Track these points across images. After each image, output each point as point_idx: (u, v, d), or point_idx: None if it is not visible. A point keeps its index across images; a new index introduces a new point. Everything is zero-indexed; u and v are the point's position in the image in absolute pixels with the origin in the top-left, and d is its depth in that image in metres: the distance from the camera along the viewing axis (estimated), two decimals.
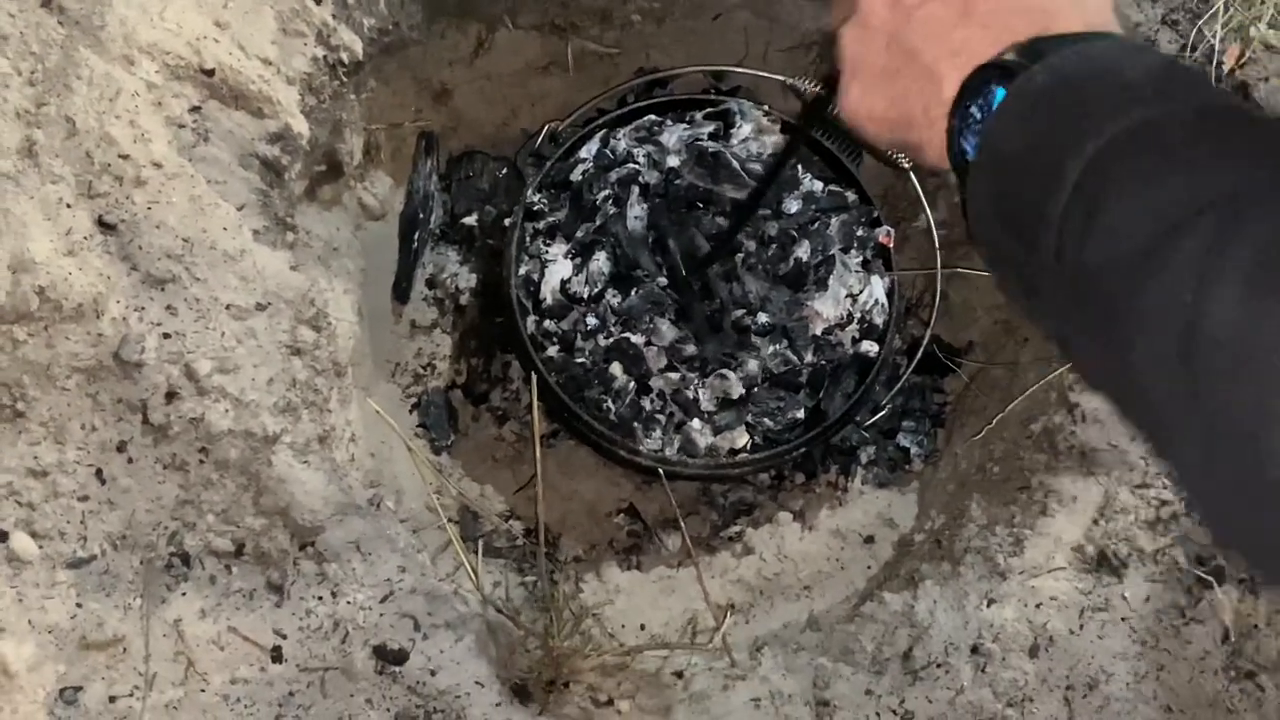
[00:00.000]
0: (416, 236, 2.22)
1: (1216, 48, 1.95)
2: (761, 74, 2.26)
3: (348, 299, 1.94)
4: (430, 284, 2.29)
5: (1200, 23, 1.96)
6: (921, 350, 2.20)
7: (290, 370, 1.60)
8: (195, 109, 1.66)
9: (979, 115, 0.90)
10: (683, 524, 2.09)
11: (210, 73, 1.67)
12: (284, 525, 1.52)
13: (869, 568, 2.14)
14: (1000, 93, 0.88)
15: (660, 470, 2.07)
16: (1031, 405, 1.96)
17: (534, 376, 1.97)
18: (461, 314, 2.29)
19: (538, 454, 1.87)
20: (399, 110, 2.24)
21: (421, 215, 2.22)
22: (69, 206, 1.50)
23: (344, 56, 1.91)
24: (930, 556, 1.93)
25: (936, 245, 2.18)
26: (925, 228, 2.20)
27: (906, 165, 2.20)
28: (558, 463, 2.18)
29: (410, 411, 2.19)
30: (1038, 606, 1.65)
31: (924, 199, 2.21)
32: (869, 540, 2.16)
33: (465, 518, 2.05)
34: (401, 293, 2.22)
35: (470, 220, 2.30)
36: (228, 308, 1.57)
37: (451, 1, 2.13)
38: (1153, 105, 0.79)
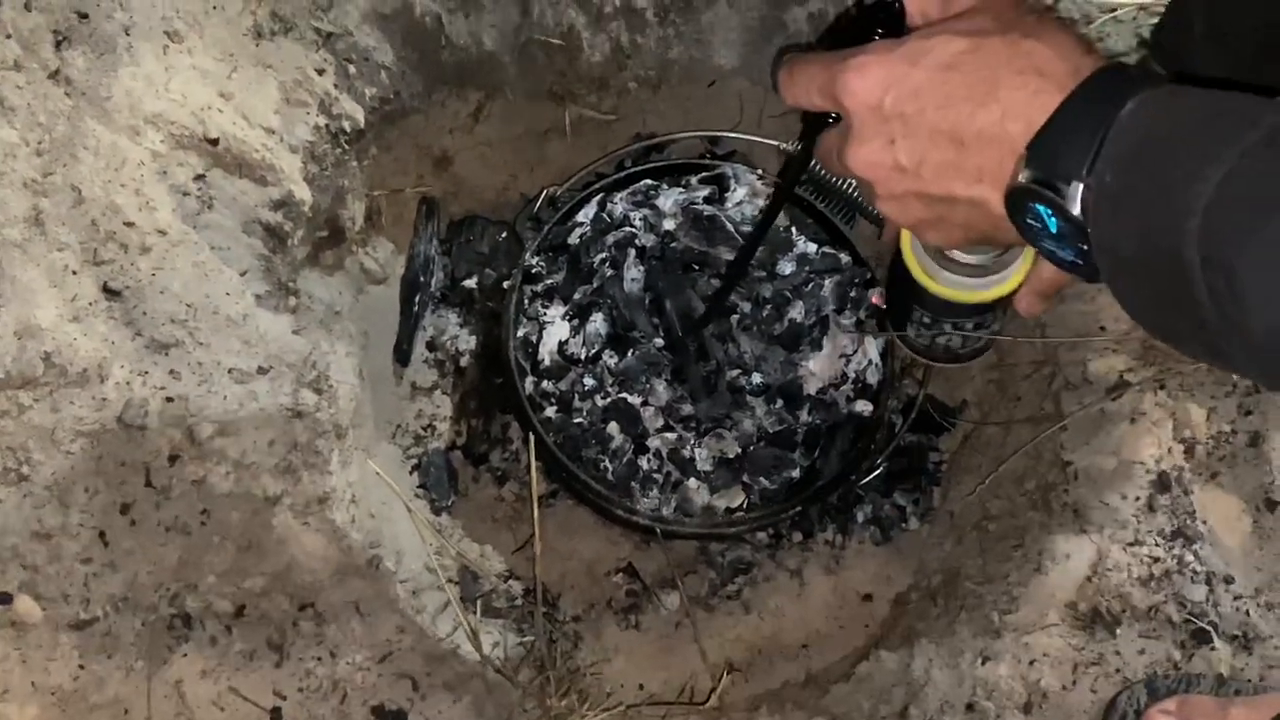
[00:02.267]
0: (417, 300, 2.25)
1: None
2: (756, 139, 2.30)
3: (349, 362, 1.97)
4: (431, 346, 2.31)
5: None
6: (915, 409, 2.22)
7: (291, 433, 1.62)
8: (200, 177, 1.70)
9: (1039, 224, 0.93)
10: (680, 584, 2.11)
11: (214, 142, 1.71)
12: (284, 587, 1.54)
13: (866, 626, 2.14)
14: (1044, 211, 0.92)
15: (657, 529, 2.09)
16: (1025, 463, 1.98)
17: (531, 437, 1.99)
18: (462, 376, 2.31)
19: (535, 514, 1.89)
20: (400, 176, 2.28)
21: (422, 279, 2.24)
22: (75, 273, 1.53)
23: (346, 125, 1.95)
24: (926, 614, 1.94)
25: None
26: None
27: None
28: (556, 522, 2.19)
29: (411, 472, 2.20)
30: (1031, 663, 1.66)
31: None
32: (867, 598, 2.17)
33: (465, 578, 2.06)
34: (402, 355, 2.24)
35: (470, 283, 2.32)
36: (230, 371, 1.59)
37: (451, 70, 2.17)
38: (1226, 152, 0.80)
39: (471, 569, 2.06)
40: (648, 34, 2.25)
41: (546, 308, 2.19)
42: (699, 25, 2.26)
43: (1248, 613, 1.68)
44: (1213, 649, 1.66)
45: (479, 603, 1.97)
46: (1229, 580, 1.69)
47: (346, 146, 1.99)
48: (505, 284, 2.22)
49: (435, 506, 2.18)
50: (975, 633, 1.75)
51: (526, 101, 2.33)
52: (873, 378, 2.20)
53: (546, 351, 2.16)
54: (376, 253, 2.26)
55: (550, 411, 2.14)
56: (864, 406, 2.18)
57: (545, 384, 2.15)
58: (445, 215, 2.34)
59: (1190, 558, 1.71)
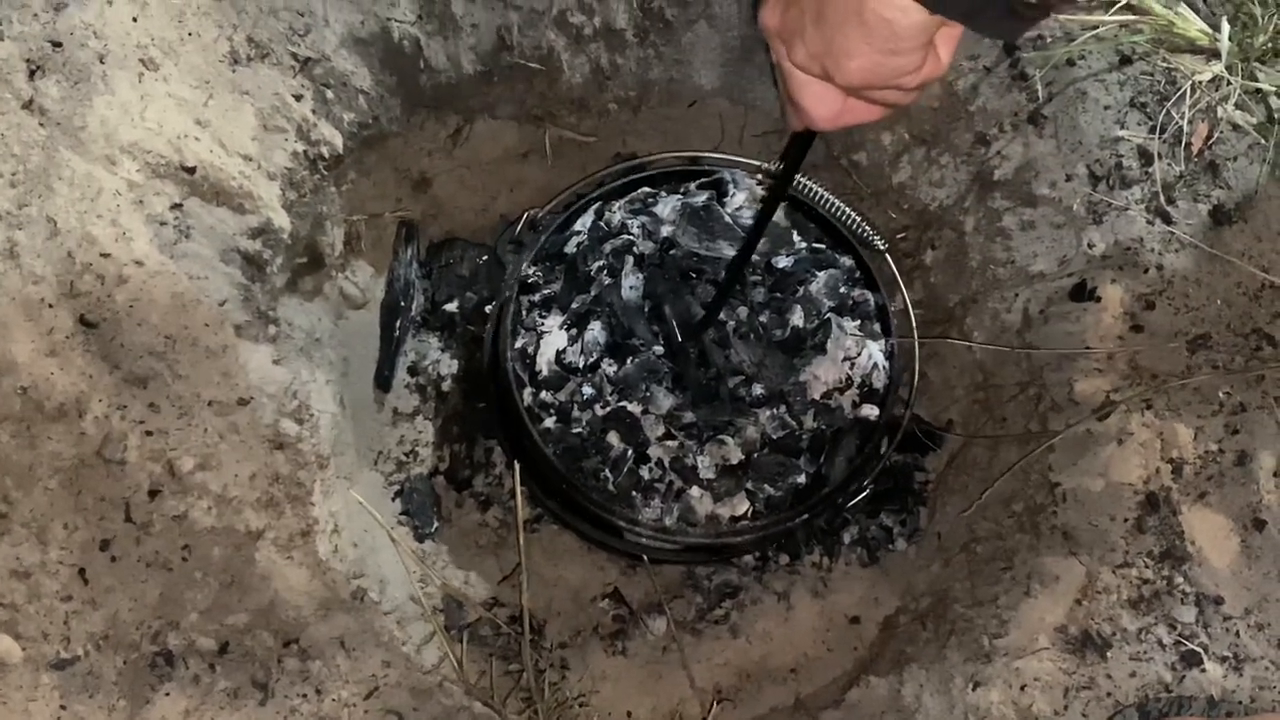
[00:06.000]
0: (398, 324, 2.23)
1: (1185, 129, 1.98)
2: (737, 159, 2.29)
3: (330, 389, 1.95)
4: (412, 371, 2.29)
5: (1169, 104, 2.00)
6: (902, 430, 2.20)
7: (273, 465, 1.61)
8: (176, 206, 1.68)
9: None
10: (667, 609, 2.09)
11: (191, 170, 1.69)
12: (268, 623, 1.52)
13: (855, 649, 2.13)
14: None
15: (654, 545, 2.06)
16: (1013, 485, 1.97)
17: (516, 465, 1.97)
18: (444, 400, 2.29)
19: (521, 542, 1.87)
20: (379, 200, 2.26)
21: (403, 303, 2.23)
22: (50, 306, 1.51)
23: (324, 151, 1.94)
24: (916, 638, 1.93)
25: (914, 325, 2.19)
26: (903, 307, 2.22)
27: (883, 247, 2.23)
28: (542, 548, 2.18)
29: (393, 499, 2.18)
30: (1023, 688, 1.65)
31: (900, 279, 2.23)
32: (854, 621, 2.16)
33: (450, 606, 2.04)
34: (384, 381, 2.22)
35: (451, 307, 2.31)
36: (210, 404, 1.57)
37: (430, 94, 2.16)
38: None
39: (456, 598, 2.04)
40: (627, 55, 2.25)
41: (544, 317, 2.15)
42: (679, 46, 2.25)
43: (1238, 633, 1.67)
44: (1204, 670, 1.65)
45: (464, 632, 1.95)
46: (1219, 601, 1.69)
47: (325, 172, 1.97)
48: (487, 309, 2.21)
49: (418, 534, 2.16)
50: (965, 657, 1.74)
51: (506, 124, 2.33)
52: (878, 381, 2.16)
53: (544, 362, 2.12)
54: (356, 277, 2.24)
55: (549, 422, 2.09)
56: (870, 411, 2.14)
57: (544, 394, 2.10)
58: (425, 238, 2.33)
59: (1180, 579, 1.71)
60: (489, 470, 2.25)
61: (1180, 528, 1.74)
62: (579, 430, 2.08)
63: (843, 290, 2.20)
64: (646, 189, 2.24)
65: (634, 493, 2.06)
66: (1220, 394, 1.81)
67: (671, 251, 2.19)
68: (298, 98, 1.89)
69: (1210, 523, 1.75)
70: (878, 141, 2.32)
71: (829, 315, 2.17)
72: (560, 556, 2.19)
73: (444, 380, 2.30)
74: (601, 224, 2.22)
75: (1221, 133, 1.99)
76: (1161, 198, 1.96)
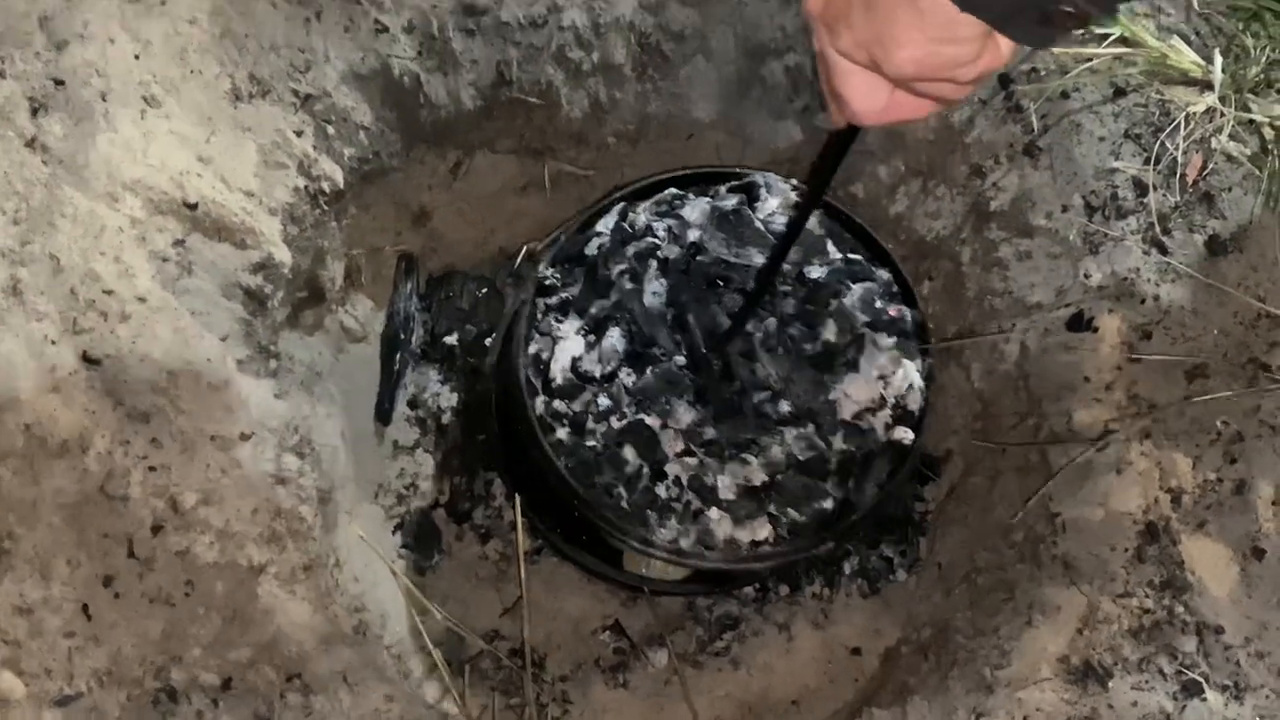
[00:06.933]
0: (398, 357, 2.24)
1: (1179, 160, 1.99)
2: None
3: (331, 423, 1.95)
4: (412, 404, 2.30)
5: (1163, 135, 2.01)
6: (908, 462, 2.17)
7: (275, 499, 1.61)
8: (179, 242, 1.69)
9: None
10: (669, 642, 2.09)
11: (193, 206, 1.70)
12: (271, 657, 1.51)
13: (856, 680, 2.13)
14: None
15: (668, 565, 1.99)
16: (1013, 515, 1.98)
17: (518, 498, 1.97)
18: (444, 433, 2.30)
19: (523, 574, 1.87)
20: (379, 234, 2.27)
21: (402, 336, 2.24)
22: (54, 343, 1.52)
23: (325, 186, 1.95)
24: (918, 669, 1.93)
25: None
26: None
27: None
28: (542, 580, 2.18)
29: (394, 532, 2.19)
30: (1025, 719, 1.65)
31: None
32: (856, 652, 2.16)
33: (451, 640, 2.04)
34: (384, 414, 2.23)
35: (451, 339, 2.31)
36: (212, 439, 1.58)
37: (429, 129, 2.17)
38: None
39: (457, 631, 2.04)
40: (626, 89, 2.26)
41: (560, 322, 2.02)
42: (676, 80, 2.27)
43: (1238, 662, 1.67)
44: (1205, 700, 1.65)
45: (466, 666, 1.95)
46: (1219, 630, 1.69)
47: (326, 207, 1.98)
48: (487, 341, 2.21)
49: (419, 567, 2.17)
50: (968, 688, 1.74)
51: (505, 157, 2.34)
52: (913, 403, 2.02)
53: (559, 369, 1.98)
54: (356, 311, 2.25)
55: (562, 433, 1.95)
56: (904, 434, 1.99)
57: (557, 403, 1.97)
58: (424, 271, 2.34)
59: (1180, 608, 1.71)
60: (489, 503, 2.26)
61: (1180, 557, 1.74)
62: (593, 443, 1.95)
63: (879, 305, 2.08)
64: (674, 190, 2.13)
65: (649, 511, 1.92)
66: (1218, 423, 1.82)
67: (698, 257, 2.06)
68: (299, 134, 1.90)
69: (1210, 552, 1.75)
70: (874, 173, 2.33)
71: (863, 330, 2.05)
72: (560, 589, 2.20)
73: (444, 413, 2.31)
74: (625, 225, 2.09)
75: (1215, 163, 2.00)
76: (1157, 228, 1.97)
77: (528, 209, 2.41)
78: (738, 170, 2.14)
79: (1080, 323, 1.98)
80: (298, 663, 1.52)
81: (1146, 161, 2.02)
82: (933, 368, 2.04)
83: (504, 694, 1.97)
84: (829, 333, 2.04)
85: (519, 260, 2.26)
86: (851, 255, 2.11)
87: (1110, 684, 1.66)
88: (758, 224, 2.08)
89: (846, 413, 2.00)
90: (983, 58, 1.00)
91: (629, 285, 2.03)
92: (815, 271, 2.08)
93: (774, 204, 2.11)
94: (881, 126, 1.17)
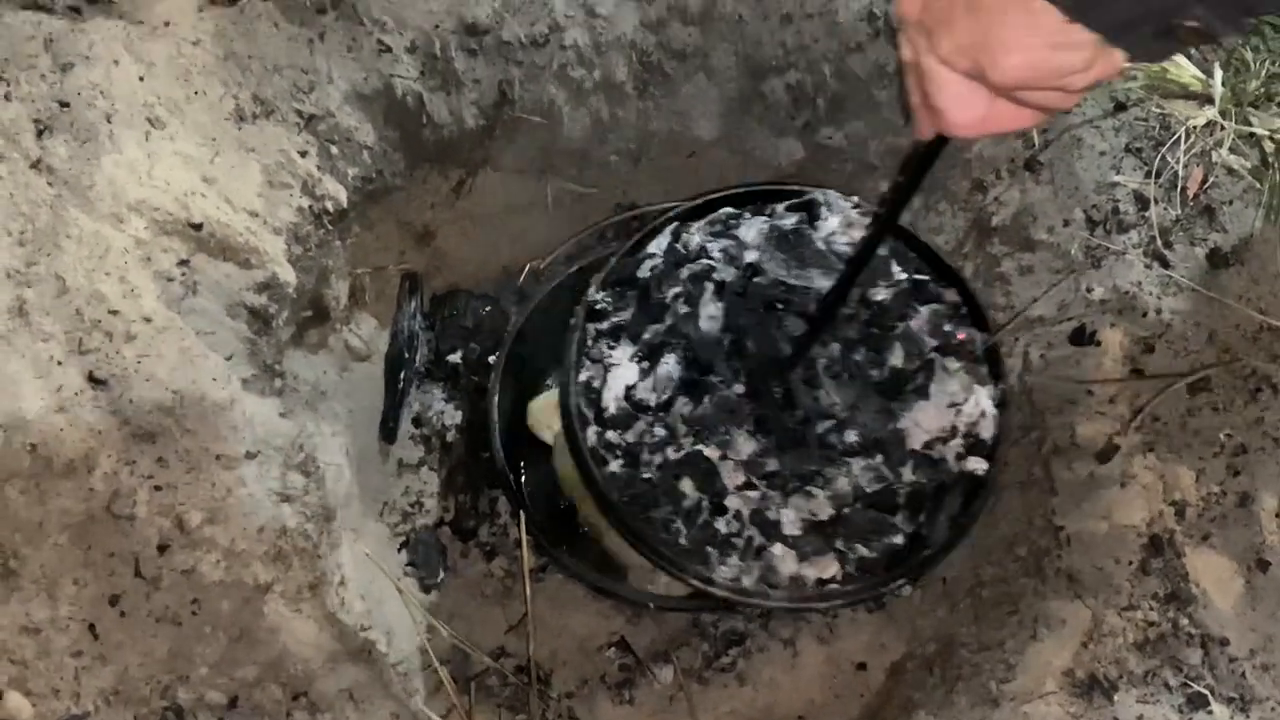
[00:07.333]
0: (402, 376, 2.24)
1: (1180, 173, 2.00)
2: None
3: (336, 442, 1.96)
4: (417, 422, 2.31)
5: (1163, 149, 2.02)
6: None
7: (280, 518, 1.61)
8: (183, 263, 1.69)
9: None
10: (674, 658, 2.09)
11: (198, 227, 1.71)
12: (277, 676, 1.52)
13: (862, 695, 2.13)
14: None
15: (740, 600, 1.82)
16: (1017, 528, 1.98)
17: (522, 515, 1.97)
18: (448, 451, 2.31)
19: (528, 591, 1.87)
20: (383, 253, 2.28)
21: (407, 355, 2.24)
22: (60, 364, 1.52)
23: (329, 205, 1.95)
24: (923, 684, 1.93)
25: None
26: None
27: None
28: (547, 597, 2.18)
29: (399, 550, 2.19)
30: None
31: None
32: (861, 667, 2.16)
33: (456, 657, 2.04)
34: (388, 432, 2.24)
35: (455, 358, 2.32)
36: (218, 458, 1.58)
37: (433, 148, 2.18)
38: None
39: (463, 648, 2.04)
40: (627, 107, 2.27)
41: (612, 348, 1.92)
42: (678, 98, 2.28)
43: (1244, 675, 1.67)
44: (1210, 712, 1.65)
45: (472, 683, 1.95)
46: (1224, 642, 1.69)
47: (329, 226, 1.99)
48: (490, 359, 2.21)
49: (424, 584, 2.17)
50: (973, 702, 1.74)
51: (508, 176, 2.34)
52: (986, 432, 1.89)
53: (612, 398, 1.88)
54: (360, 329, 2.25)
55: (615, 465, 1.84)
56: (977, 464, 1.86)
57: (610, 434, 1.86)
58: (428, 290, 2.34)
59: (1185, 621, 1.71)
60: (494, 520, 2.26)
61: (1184, 570, 1.74)
62: (649, 475, 1.84)
63: (947, 328, 1.96)
64: (729, 209, 2.03)
65: (709, 548, 1.80)
66: (1221, 435, 1.82)
67: (756, 279, 1.95)
68: (302, 154, 1.91)
69: (1214, 564, 1.75)
70: (875, 189, 2.34)
71: (932, 355, 1.93)
72: (566, 605, 2.20)
73: (448, 431, 2.31)
74: (678, 246, 1.99)
75: (1216, 177, 2.01)
76: (1158, 242, 1.98)
77: (530, 227, 2.42)
78: (796, 187, 2.05)
79: (1083, 336, 1.98)
80: (304, 681, 1.53)
81: (1147, 175, 2.02)
82: (1006, 394, 1.92)
83: (510, 711, 1.97)
84: (896, 358, 1.93)
85: (522, 278, 2.27)
86: (917, 275, 2.01)
87: (1115, 697, 1.66)
88: (819, 244, 1.98)
89: (916, 442, 1.88)
90: (1096, 65, 0.95)
91: (684, 309, 1.93)
92: (880, 294, 1.98)
93: (835, 222, 2.01)
94: (976, 139, 1.11)
